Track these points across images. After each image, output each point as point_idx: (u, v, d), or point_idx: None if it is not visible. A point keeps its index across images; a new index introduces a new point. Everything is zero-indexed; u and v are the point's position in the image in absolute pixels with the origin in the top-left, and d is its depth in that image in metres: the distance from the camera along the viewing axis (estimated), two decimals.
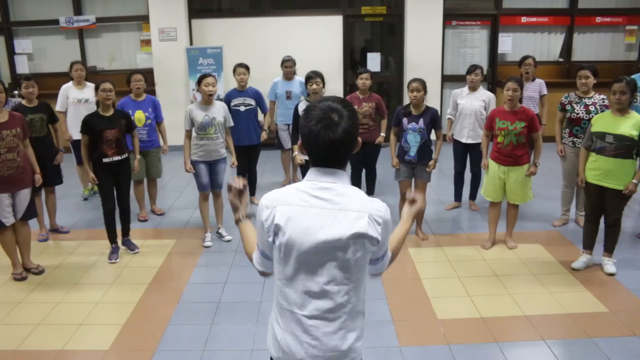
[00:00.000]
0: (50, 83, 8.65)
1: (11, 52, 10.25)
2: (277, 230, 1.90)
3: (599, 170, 4.61)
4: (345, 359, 1.96)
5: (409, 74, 9.59)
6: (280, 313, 2.00)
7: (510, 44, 10.02)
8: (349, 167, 6.81)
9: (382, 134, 6.41)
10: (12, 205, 4.76)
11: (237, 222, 2.23)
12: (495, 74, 10.08)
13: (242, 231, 2.22)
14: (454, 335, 3.89)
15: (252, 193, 6.85)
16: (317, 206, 1.88)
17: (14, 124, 4.68)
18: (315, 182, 1.91)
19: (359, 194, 1.93)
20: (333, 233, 1.85)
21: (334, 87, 9.51)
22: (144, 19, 9.87)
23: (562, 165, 5.84)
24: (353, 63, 10.15)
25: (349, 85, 9.88)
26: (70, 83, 6.84)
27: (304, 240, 1.87)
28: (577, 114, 5.47)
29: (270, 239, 1.93)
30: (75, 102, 6.76)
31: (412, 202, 2.36)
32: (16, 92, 6.81)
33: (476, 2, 10.19)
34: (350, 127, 1.86)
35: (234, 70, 6.50)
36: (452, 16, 9.94)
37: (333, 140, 1.84)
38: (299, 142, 1.96)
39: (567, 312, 4.14)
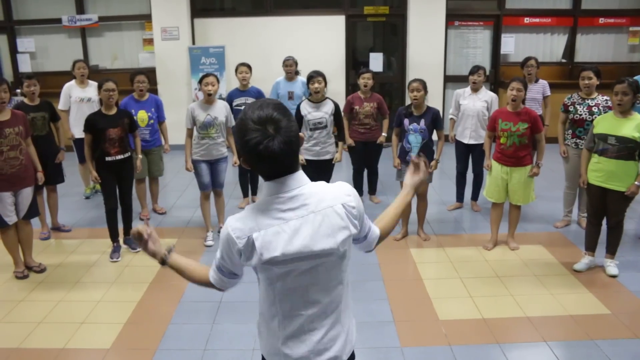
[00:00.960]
0: (52, 82, 8.67)
1: (14, 51, 10.26)
2: (261, 253, 1.77)
3: (602, 171, 4.60)
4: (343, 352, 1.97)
5: (411, 75, 9.58)
6: (280, 322, 1.92)
7: (512, 45, 10.01)
8: (349, 167, 6.84)
9: (384, 134, 6.41)
10: (15, 204, 4.77)
11: (163, 263, 2.10)
12: (498, 75, 10.07)
13: (175, 267, 2.10)
14: (456, 336, 3.88)
15: (254, 192, 6.85)
16: (294, 217, 1.79)
17: (17, 122, 4.69)
18: (278, 195, 1.80)
19: (324, 187, 1.87)
20: (321, 243, 1.80)
21: (336, 87, 9.51)
22: (147, 18, 9.87)
23: (564, 167, 5.83)
24: (355, 63, 10.15)
25: (351, 85, 9.88)
26: (73, 82, 6.84)
27: (292, 253, 1.78)
28: (580, 115, 5.46)
29: (251, 262, 1.82)
30: (78, 101, 6.76)
31: (416, 168, 2.27)
32: (18, 90, 6.82)
33: (479, 2, 10.19)
34: (289, 136, 1.74)
35: (236, 69, 6.50)
36: (454, 16, 9.93)
37: (276, 155, 1.72)
38: (241, 158, 1.84)
39: (569, 314, 4.13)
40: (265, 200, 1.82)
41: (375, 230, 2.08)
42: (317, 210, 1.80)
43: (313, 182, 1.87)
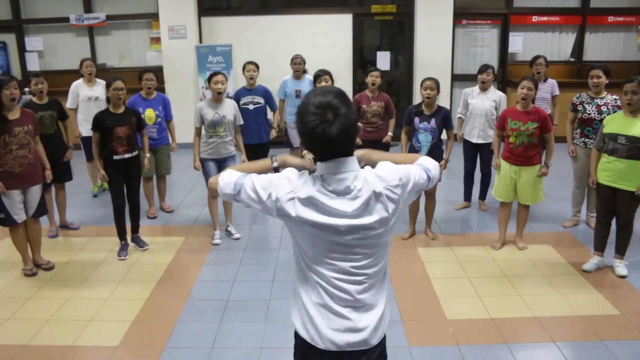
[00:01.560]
0: (60, 80, 8.69)
1: (22, 50, 10.31)
2: (302, 211, 1.89)
3: (611, 171, 4.57)
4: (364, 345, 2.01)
5: (418, 73, 9.58)
6: (317, 291, 2.01)
7: (520, 44, 9.97)
8: None
9: (390, 134, 6.38)
10: (24, 202, 4.79)
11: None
12: (506, 74, 10.03)
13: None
14: (464, 335, 3.87)
15: None
16: (337, 197, 1.89)
17: (26, 121, 4.70)
18: (328, 175, 1.90)
19: (370, 172, 1.94)
20: (361, 219, 1.89)
21: (343, 85, 9.49)
22: (154, 16, 9.89)
23: (573, 166, 5.81)
24: (362, 62, 10.14)
25: (358, 84, 9.87)
26: (81, 80, 6.86)
27: (332, 225, 1.89)
28: (589, 114, 5.43)
29: (279, 213, 1.93)
30: (86, 99, 6.78)
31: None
32: (27, 89, 6.82)
33: (487, 1, 10.15)
34: (347, 122, 1.84)
35: (244, 68, 6.50)
36: (462, 15, 9.90)
37: (333, 140, 1.83)
38: (300, 139, 1.97)
39: (578, 314, 4.11)
40: (315, 177, 1.93)
41: (429, 161, 2.12)
42: (363, 194, 1.89)
43: (361, 169, 1.94)
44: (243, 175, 2.00)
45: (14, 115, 4.63)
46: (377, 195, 1.89)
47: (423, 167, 2.06)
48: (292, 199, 1.90)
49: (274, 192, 1.92)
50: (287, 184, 1.92)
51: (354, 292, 1.97)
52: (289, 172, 1.96)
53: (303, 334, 2.05)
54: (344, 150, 1.91)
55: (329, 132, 1.81)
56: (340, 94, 1.88)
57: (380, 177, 1.92)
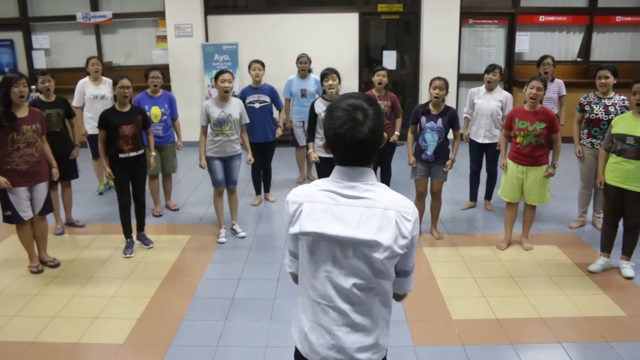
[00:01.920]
0: (67, 78, 8.72)
1: (29, 48, 10.34)
2: (303, 223, 1.90)
3: (619, 172, 4.54)
4: None
5: (424, 73, 9.57)
6: (310, 305, 1.99)
7: (527, 43, 9.93)
8: None
9: (397, 133, 6.37)
10: (30, 200, 4.81)
11: None
12: (512, 74, 9.99)
13: None
14: (469, 335, 3.86)
15: (267, 190, 6.86)
16: (345, 204, 1.87)
17: (34, 120, 4.72)
18: (341, 181, 1.89)
19: (387, 191, 1.90)
20: (362, 232, 1.84)
21: (349, 84, 9.48)
22: (160, 15, 9.90)
23: (579, 167, 5.78)
24: (369, 61, 10.12)
25: (364, 83, 9.85)
26: (87, 78, 6.88)
27: (331, 235, 1.87)
28: (596, 114, 5.40)
29: (293, 232, 1.95)
30: (92, 97, 6.79)
31: None
32: (33, 87, 6.85)
33: (493, 0, 10.11)
34: (376, 125, 1.82)
35: (249, 66, 6.50)
36: (469, 14, 9.87)
37: (359, 141, 1.81)
38: (323, 141, 1.95)
39: (584, 315, 4.09)
40: (328, 182, 1.93)
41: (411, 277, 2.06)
42: (369, 207, 1.85)
43: (380, 184, 1.91)
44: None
45: (22, 113, 4.65)
46: (386, 215, 1.84)
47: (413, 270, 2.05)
48: (298, 209, 1.93)
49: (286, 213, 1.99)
50: (295, 198, 1.96)
51: (347, 310, 1.91)
52: (293, 192, 2.00)
53: (299, 347, 2.06)
54: (365, 157, 1.88)
55: (358, 130, 1.80)
56: (372, 99, 1.88)
57: (396, 202, 1.88)
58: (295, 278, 2.14)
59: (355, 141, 1.81)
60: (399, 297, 2.10)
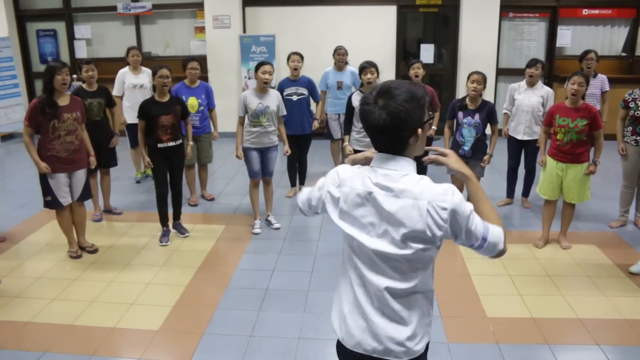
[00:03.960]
0: (107, 68, 8.86)
1: (71, 38, 10.55)
2: (342, 208, 1.93)
3: None
4: (389, 355, 1.95)
5: (462, 67, 9.43)
6: (351, 288, 2.00)
7: (569, 37, 9.68)
8: None
9: (434, 127, 6.31)
10: (69, 186, 4.92)
11: None
12: (553, 69, 9.77)
13: None
14: (504, 334, 3.81)
15: (302, 182, 6.86)
16: (378, 192, 1.85)
17: (75, 108, 4.82)
18: (377, 168, 1.88)
19: (420, 181, 1.83)
20: (389, 226, 1.85)
21: (386, 78, 9.22)
22: (199, 6, 9.98)
23: (622, 165, 5.63)
24: (406, 54, 10.02)
25: (401, 77, 9.76)
26: (127, 68, 6.98)
27: (366, 223, 1.88)
28: None
29: (325, 207, 2.01)
30: (131, 87, 6.89)
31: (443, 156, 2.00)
32: (75, 76, 6.99)
33: None
34: (398, 110, 1.77)
35: (288, 58, 6.50)
36: (509, 8, 9.67)
37: (373, 126, 1.81)
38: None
39: (624, 318, 3.99)
40: (368, 168, 1.92)
41: (494, 228, 1.88)
42: (400, 196, 1.82)
43: (414, 174, 1.86)
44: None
45: (63, 101, 4.75)
46: (417, 206, 1.79)
47: (490, 229, 1.86)
48: (337, 190, 1.95)
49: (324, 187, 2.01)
50: (335, 176, 1.97)
51: (387, 298, 1.91)
52: (340, 167, 2.00)
53: (337, 331, 2.06)
54: (391, 144, 1.85)
55: (371, 113, 1.80)
56: (409, 87, 1.81)
57: (428, 191, 1.81)
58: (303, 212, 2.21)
59: (369, 126, 1.83)
60: (499, 254, 1.93)
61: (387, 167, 1.86)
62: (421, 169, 1.89)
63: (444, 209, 1.79)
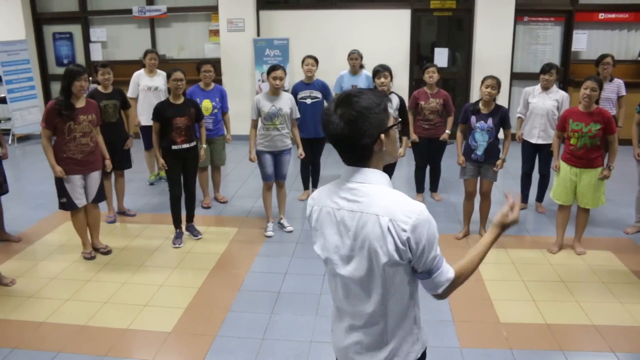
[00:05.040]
0: (121, 70, 8.92)
1: (87, 40, 10.66)
2: (315, 230, 1.92)
3: None
4: None
5: (476, 71, 9.39)
6: (333, 305, 2.04)
7: (585, 42, 9.61)
8: (411, 163, 6.74)
9: (448, 131, 6.29)
10: (84, 188, 4.96)
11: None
12: (568, 73, 9.69)
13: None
14: (517, 339, 3.78)
15: (315, 185, 6.86)
16: (344, 208, 1.80)
17: (90, 110, 4.87)
18: (344, 181, 1.82)
19: (387, 194, 1.75)
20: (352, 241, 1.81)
21: (400, 82, 9.39)
22: (213, 9, 10.04)
23: (638, 170, 5.57)
24: (419, 58, 10.00)
25: (415, 80, 9.75)
26: (142, 70, 7.03)
27: (333, 244, 1.85)
28: None
29: (314, 241, 1.97)
30: (146, 89, 6.94)
31: (510, 209, 2.00)
32: (90, 78, 7.04)
33: None
34: (354, 117, 1.70)
35: (303, 61, 6.50)
36: (524, 12, 9.62)
37: (335, 133, 1.74)
38: None
39: None
40: (336, 182, 1.88)
41: (447, 271, 1.81)
42: (363, 212, 1.75)
43: (382, 186, 1.77)
44: None
45: (80, 103, 4.80)
46: (379, 223, 1.71)
47: (442, 269, 1.80)
48: (311, 212, 1.94)
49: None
50: (310, 200, 1.98)
51: (355, 322, 1.90)
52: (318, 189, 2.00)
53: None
54: (357, 154, 1.77)
55: (330, 122, 1.75)
56: (373, 95, 1.76)
57: (392, 207, 1.71)
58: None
59: (329, 136, 1.77)
60: (436, 296, 1.88)
61: (354, 180, 1.79)
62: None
63: (404, 230, 1.69)
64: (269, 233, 5.61)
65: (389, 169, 5.73)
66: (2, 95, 9.83)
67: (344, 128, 1.71)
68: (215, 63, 7.30)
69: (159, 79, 6.95)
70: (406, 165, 7.87)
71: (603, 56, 6.29)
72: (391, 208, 1.71)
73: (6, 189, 5.46)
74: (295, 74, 8.98)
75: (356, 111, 1.70)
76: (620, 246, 5.34)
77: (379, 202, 1.73)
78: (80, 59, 10.71)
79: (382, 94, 1.82)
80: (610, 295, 4.39)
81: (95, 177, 5.03)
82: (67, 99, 4.69)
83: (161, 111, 5.17)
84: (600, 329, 3.89)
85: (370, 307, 1.83)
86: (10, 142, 9.87)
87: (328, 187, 1.89)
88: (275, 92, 5.41)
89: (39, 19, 10.74)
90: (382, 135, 1.75)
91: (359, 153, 1.77)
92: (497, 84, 5.10)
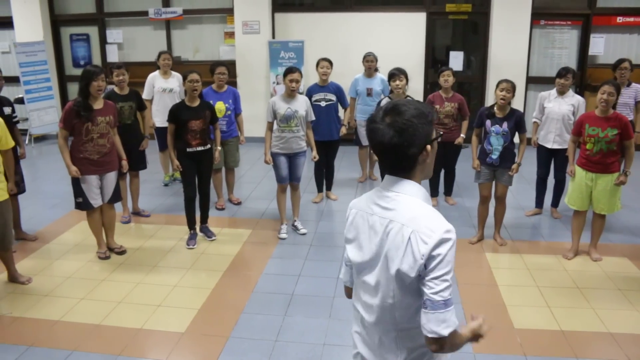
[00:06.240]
0: (137, 72, 8.97)
1: (103, 42, 10.76)
2: (348, 232, 1.94)
3: None
4: None
5: (492, 74, 9.34)
6: (353, 308, 2.04)
7: (602, 46, 9.52)
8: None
9: (462, 135, 6.27)
10: (100, 188, 5.00)
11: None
12: (585, 77, 9.61)
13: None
14: (531, 346, 3.75)
15: (329, 188, 6.87)
16: (377, 214, 1.82)
17: (108, 112, 4.91)
18: (382, 189, 1.84)
19: (418, 207, 1.75)
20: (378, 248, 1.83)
21: (415, 85, 9.37)
22: (229, 11, 10.09)
23: None
24: (434, 61, 9.97)
25: (430, 84, 9.72)
26: (157, 72, 7.07)
27: (364, 247, 1.87)
28: None
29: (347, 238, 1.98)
30: (160, 91, 6.98)
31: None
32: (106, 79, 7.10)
33: (567, 1, 9.74)
34: (405, 126, 1.71)
35: (317, 64, 6.52)
36: (540, 15, 9.55)
37: (383, 141, 1.73)
38: None
39: None
40: (375, 189, 1.90)
41: (452, 319, 1.68)
42: (392, 220, 1.77)
43: (415, 199, 1.77)
44: None
45: (97, 105, 4.84)
46: (401, 232, 1.72)
47: (450, 310, 1.67)
48: (349, 214, 1.97)
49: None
50: (351, 204, 2.01)
51: (370, 326, 1.92)
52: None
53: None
54: (402, 163, 1.77)
55: (378, 131, 1.74)
56: (418, 107, 1.75)
57: (419, 220, 1.71)
58: (348, 292, 2.14)
59: (376, 144, 1.77)
60: (427, 340, 1.72)
61: (392, 190, 1.80)
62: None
63: (425, 243, 1.67)
64: (283, 235, 5.62)
65: None
66: (20, 95, 9.94)
67: (393, 136, 1.71)
68: (230, 65, 7.34)
69: (174, 81, 6.99)
70: None
71: (621, 60, 6.23)
72: (417, 220, 1.71)
73: (23, 188, 5.53)
74: (310, 76, 9.00)
75: (407, 120, 1.71)
76: (636, 253, 5.28)
77: (407, 212, 1.74)
78: (97, 61, 10.81)
79: (429, 105, 1.84)
80: (626, 302, 4.34)
81: (111, 177, 5.07)
82: (85, 100, 4.74)
83: (177, 114, 5.20)
84: (617, 336, 3.85)
85: (377, 315, 1.87)
86: (27, 142, 9.97)
87: (368, 194, 1.92)
88: (291, 94, 5.42)
89: (57, 21, 10.87)
90: (429, 146, 1.77)
91: (404, 162, 1.77)
92: (512, 88, 5.07)
